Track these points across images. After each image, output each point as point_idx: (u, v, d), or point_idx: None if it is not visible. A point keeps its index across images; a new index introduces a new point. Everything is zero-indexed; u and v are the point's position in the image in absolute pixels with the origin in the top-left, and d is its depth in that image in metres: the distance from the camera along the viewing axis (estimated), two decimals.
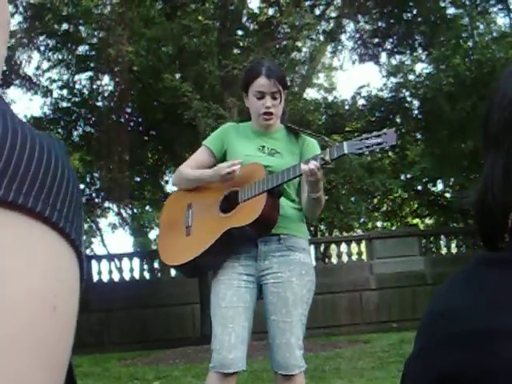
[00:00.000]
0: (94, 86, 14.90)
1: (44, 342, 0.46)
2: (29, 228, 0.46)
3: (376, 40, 16.17)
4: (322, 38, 16.40)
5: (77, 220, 0.50)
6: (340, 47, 17.37)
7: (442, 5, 14.62)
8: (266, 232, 3.14)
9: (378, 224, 21.04)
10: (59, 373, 0.49)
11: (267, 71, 3.25)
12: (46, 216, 0.47)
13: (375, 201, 19.09)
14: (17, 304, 0.45)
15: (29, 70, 17.07)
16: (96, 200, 17.15)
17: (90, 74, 14.89)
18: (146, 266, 14.40)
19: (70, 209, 0.50)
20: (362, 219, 18.83)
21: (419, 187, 18.61)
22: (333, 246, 14.90)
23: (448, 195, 19.27)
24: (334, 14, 16.60)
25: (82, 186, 16.97)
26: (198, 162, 3.38)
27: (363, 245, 14.53)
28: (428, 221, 21.93)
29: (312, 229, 20.85)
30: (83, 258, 0.52)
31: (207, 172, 3.29)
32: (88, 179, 16.88)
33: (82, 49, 14.24)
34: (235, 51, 13.17)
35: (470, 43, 14.76)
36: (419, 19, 14.88)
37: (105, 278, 14.21)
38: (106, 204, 18.71)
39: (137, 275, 14.32)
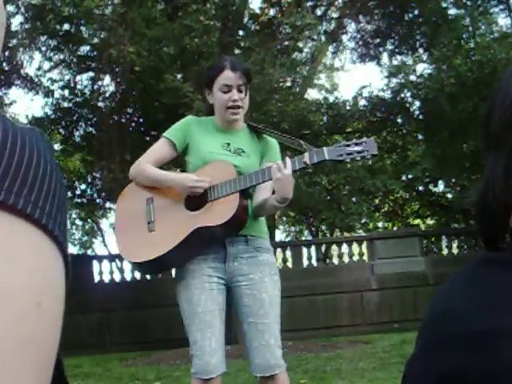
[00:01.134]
0: (96, 87, 14.90)
1: (30, 339, 0.45)
2: (10, 225, 0.46)
3: (377, 40, 16.18)
4: (323, 38, 16.40)
5: (60, 216, 0.50)
6: (341, 48, 17.39)
7: (444, 5, 14.62)
8: (235, 233, 3.11)
9: (380, 224, 21.06)
10: (47, 369, 0.48)
11: (232, 64, 3.21)
12: (28, 213, 0.46)
13: (376, 201, 19.10)
14: (1, 302, 0.44)
15: (30, 70, 17.12)
16: (97, 200, 17.16)
17: (91, 74, 14.90)
18: None
19: (53, 205, 0.49)
20: (364, 220, 18.83)
21: (420, 188, 18.62)
22: (334, 247, 14.89)
23: (449, 196, 19.28)
24: (335, 15, 16.61)
25: (83, 187, 17.00)
26: (159, 155, 3.27)
27: (364, 245, 14.52)
28: (429, 221, 21.93)
29: (313, 229, 20.86)
30: (68, 253, 0.51)
31: (172, 178, 3.20)
32: (89, 179, 16.90)
33: (83, 49, 14.24)
34: (236, 51, 13.16)
35: (471, 44, 14.74)
36: (420, 20, 14.88)
37: (106, 278, 14.22)
38: (108, 204, 18.72)
39: (138, 275, 14.31)
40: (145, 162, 3.25)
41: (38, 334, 0.46)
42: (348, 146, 3.05)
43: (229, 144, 3.24)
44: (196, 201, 3.13)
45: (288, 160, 2.98)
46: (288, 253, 14.21)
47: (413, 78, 15.76)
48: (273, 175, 2.95)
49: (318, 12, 15.37)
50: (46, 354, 0.48)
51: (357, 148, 3.03)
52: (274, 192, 3.06)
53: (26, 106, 19.65)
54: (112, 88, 14.76)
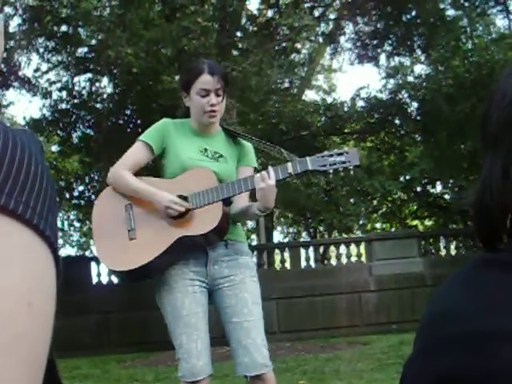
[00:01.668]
0: (93, 88, 14.90)
1: (21, 338, 0.45)
2: (1, 226, 0.46)
3: (375, 41, 16.20)
4: (321, 39, 16.42)
5: (51, 216, 0.50)
6: (339, 49, 17.40)
7: (441, 6, 14.64)
8: (218, 240, 3.12)
9: (377, 225, 21.08)
10: (38, 368, 0.48)
11: (210, 68, 3.19)
12: (19, 213, 0.47)
13: (374, 202, 19.10)
14: None
15: (28, 71, 17.05)
16: (95, 202, 17.13)
17: (89, 75, 14.90)
18: None
19: (44, 205, 0.49)
20: (362, 221, 18.86)
21: (418, 189, 18.64)
22: (332, 248, 14.88)
23: (447, 196, 19.30)
24: (332, 16, 16.62)
25: (81, 188, 16.99)
26: (135, 159, 3.23)
27: (362, 246, 14.52)
28: (427, 222, 21.94)
29: (311, 230, 20.87)
30: (59, 254, 0.51)
31: (151, 193, 3.12)
32: (87, 181, 16.88)
33: (81, 51, 14.24)
34: (234, 53, 13.17)
35: (469, 45, 14.78)
36: (418, 21, 14.91)
37: (104, 279, 14.20)
38: None
39: None
40: (123, 169, 3.19)
41: (29, 333, 0.46)
42: (331, 156, 3.08)
43: (206, 149, 3.23)
44: None
45: (271, 170, 2.99)
46: (286, 254, 14.20)
47: (411, 79, 15.80)
48: (256, 185, 2.96)
49: (316, 13, 15.38)
50: (38, 354, 0.48)
51: (339, 158, 3.07)
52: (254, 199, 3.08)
53: (23, 107, 19.76)
54: (110, 89, 14.77)
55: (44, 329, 0.48)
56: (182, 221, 3.09)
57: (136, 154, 3.25)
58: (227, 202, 3.12)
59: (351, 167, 3.09)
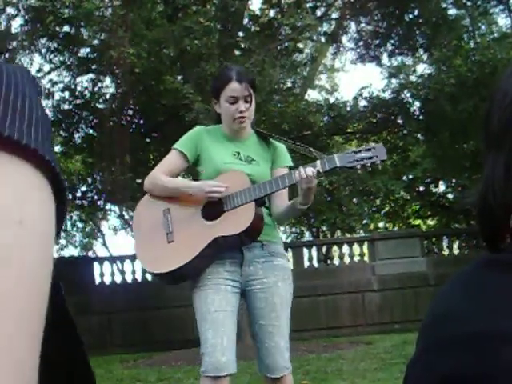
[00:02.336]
0: (96, 89, 14.91)
1: (9, 252, 0.43)
2: None
3: (377, 41, 16.17)
4: (323, 39, 16.41)
5: (48, 144, 0.49)
6: (341, 48, 17.39)
7: (444, 6, 14.62)
8: (252, 240, 3.20)
9: (380, 225, 21.04)
10: (37, 292, 0.45)
11: (238, 76, 3.28)
12: (16, 139, 0.46)
13: (377, 202, 19.07)
14: None
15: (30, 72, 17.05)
16: (98, 202, 17.15)
17: (91, 76, 14.90)
18: None
19: (38, 133, 0.48)
20: (364, 220, 18.82)
21: (421, 188, 18.63)
22: (335, 248, 14.89)
23: (450, 196, 19.28)
24: (335, 16, 16.61)
25: (83, 188, 16.99)
26: (171, 167, 3.34)
27: (365, 246, 14.52)
28: (430, 222, 21.92)
29: (314, 230, 20.86)
30: (62, 178, 0.50)
31: (190, 185, 3.29)
32: (90, 181, 16.89)
33: (83, 51, 14.24)
34: (237, 53, 13.17)
35: (471, 44, 14.77)
36: (420, 20, 14.88)
37: (107, 280, 14.22)
38: (108, 206, 18.73)
39: (139, 277, 14.31)
40: (159, 173, 3.32)
41: (18, 252, 0.44)
42: (358, 152, 3.15)
43: (239, 153, 3.32)
44: (213, 211, 3.21)
45: (311, 168, 3.05)
46: (289, 254, 14.19)
47: (413, 78, 15.79)
48: (305, 184, 3.01)
49: (318, 13, 15.35)
50: (33, 272, 0.45)
51: (366, 154, 3.14)
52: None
53: None
54: (112, 90, 14.77)
55: (40, 249, 0.46)
56: (216, 222, 3.19)
57: (171, 161, 3.36)
58: (260, 202, 3.21)
59: (378, 162, 3.16)
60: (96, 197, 16.84)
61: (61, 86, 15.03)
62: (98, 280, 14.07)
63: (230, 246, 3.17)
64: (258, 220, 3.16)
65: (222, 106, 3.31)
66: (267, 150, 3.40)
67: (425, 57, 16.05)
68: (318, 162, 3.08)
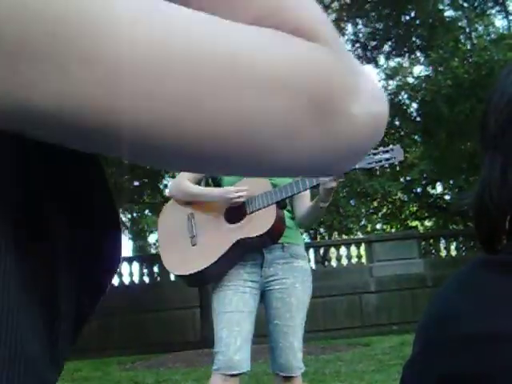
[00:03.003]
0: None
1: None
2: None
3: (374, 43, 16.21)
4: None
5: None
6: None
7: (440, 7, 14.65)
8: (274, 242, 3.26)
9: (378, 227, 21.05)
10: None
11: None
12: None
13: (375, 203, 19.10)
14: None
15: None
16: None
17: None
18: (145, 270, 14.40)
19: None
20: (362, 222, 18.84)
21: (418, 190, 18.63)
22: (332, 249, 14.89)
23: (447, 197, 19.29)
24: (332, 17, 16.62)
25: None
26: (193, 172, 3.40)
27: (363, 248, 14.53)
28: (427, 223, 21.93)
29: (311, 232, 20.87)
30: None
31: (213, 193, 3.36)
32: None
33: None
34: None
35: (468, 45, 14.79)
36: (417, 22, 14.91)
37: None
38: None
39: (136, 279, 14.32)
40: (184, 180, 3.42)
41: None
42: (377, 153, 3.21)
43: None
44: (235, 214, 3.28)
45: None
46: None
47: (410, 79, 15.82)
48: (328, 184, 3.10)
49: None
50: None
51: (385, 155, 3.21)
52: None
53: None
54: None
55: None
56: (239, 225, 3.26)
57: None
58: (282, 205, 3.29)
59: (396, 163, 3.24)
60: None
61: None
62: None
63: (251, 247, 3.24)
64: (279, 222, 3.23)
65: None
66: None
67: (422, 58, 16.08)
68: None
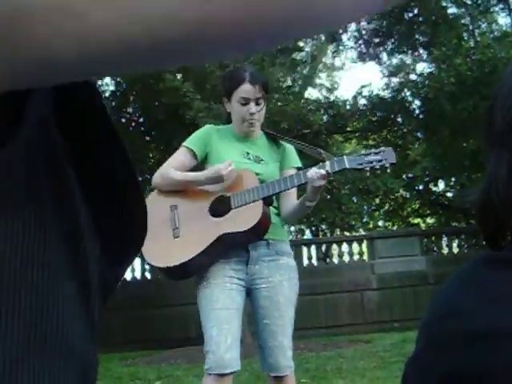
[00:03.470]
0: None
1: None
2: None
3: (377, 40, 16.18)
4: (323, 37, 16.41)
5: None
6: (341, 47, 17.39)
7: (444, 4, 14.62)
8: (258, 238, 3.19)
9: (380, 224, 21.04)
10: None
11: (251, 77, 3.28)
12: None
13: (377, 200, 19.08)
14: None
15: None
16: None
17: None
18: (147, 266, 14.40)
19: None
20: (364, 219, 18.83)
21: (421, 187, 18.61)
22: (334, 246, 14.89)
23: (449, 195, 19.28)
24: None
25: None
26: (180, 163, 3.33)
27: (364, 245, 14.52)
28: (429, 220, 21.92)
29: (313, 229, 20.87)
30: None
31: (201, 176, 3.26)
32: None
33: None
34: None
35: (471, 43, 14.75)
36: (420, 19, 14.89)
37: None
38: None
39: (138, 275, 14.33)
40: (168, 168, 3.32)
41: None
42: (368, 155, 3.17)
43: (248, 153, 3.33)
44: (220, 208, 3.21)
45: (321, 168, 3.07)
46: None
47: (413, 77, 15.80)
48: (317, 182, 3.03)
49: None
50: None
51: (376, 157, 3.15)
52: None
53: None
54: (112, 88, 14.76)
55: None
56: (224, 219, 3.18)
57: (179, 158, 3.35)
58: (268, 201, 3.22)
59: (387, 165, 3.17)
60: None
61: None
62: None
63: (236, 243, 3.17)
64: (265, 218, 3.16)
65: (233, 107, 3.32)
66: (277, 150, 3.41)
67: (425, 55, 16.04)
68: (328, 162, 3.10)
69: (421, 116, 15.20)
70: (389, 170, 3.32)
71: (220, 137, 3.35)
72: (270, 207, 3.26)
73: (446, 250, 14.99)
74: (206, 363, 3.11)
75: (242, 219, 3.14)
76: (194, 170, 3.40)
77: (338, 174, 13.50)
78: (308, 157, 3.42)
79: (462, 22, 14.87)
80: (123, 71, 0.40)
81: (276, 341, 3.18)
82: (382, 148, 3.24)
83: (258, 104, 3.29)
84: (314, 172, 3.04)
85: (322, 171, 3.03)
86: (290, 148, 3.44)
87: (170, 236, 3.25)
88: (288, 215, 3.30)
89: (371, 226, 19.73)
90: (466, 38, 15.06)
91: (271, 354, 3.18)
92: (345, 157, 3.15)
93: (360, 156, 3.16)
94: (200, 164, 3.38)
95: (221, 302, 3.13)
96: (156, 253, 3.24)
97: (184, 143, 3.37)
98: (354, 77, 50.44)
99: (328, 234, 20.02)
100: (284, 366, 3.18)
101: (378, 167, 3.18)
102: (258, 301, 3.24)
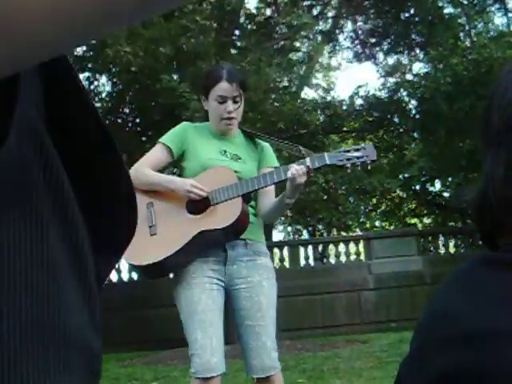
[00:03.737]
0: (92, 87, 14.88)
1: None
2: None
3: (373, 40, 16.20)
4: (319, 37, 16.42)
5: None
6: (338, 47, 17.40)
7: (440, 4, 14.64)
8: (237, 236, 3.15)
9: (377, 224, 21.06)
10: None
11: (228, 75, 3.24)
12: None
13: (373, 200, 19.10)
14: None
15: None
16: None
17: (87, 74, 14.87)
18: None
19: None
20: (361, 219, 18.85)
21: (417, 187, 18.64)
22: (331, 246, 14.89)
23: (446, 194, 19.30)
24: (331, 14, 16.62)
25: None
26: (156, 160, 3.30)
27: (361, 245, 14.52)
28: (426, 220, 21.95)
29: (310, 229, 20.89)
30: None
31: (172, 180, 3.24)
32: None
33: (79, 49, 14.21)
34: (233, 51, 13.17)
35: (467, 43, 14.78)
36: (417, 19, 14.90)
37: None
38: None
39: (135, 276, 14.30)
40: (143, 166, 3.27)
41: None
42: (348, 151, 3.14)
43: (225, 151, 3.29)
44: (198, 205, 3.16)
45: (301, 165, 3.04)
46: (285, 252, 14.20)
47: (409, 77, 15.83)
48: (298, 179, 3.00)
49: (314, 12, 15.37)
50: None
51: (356, 154, 3.13)
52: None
53: None
54: (108, 88, 14.75)
55: None
56: (201, 216, 3.14)
57: (155, 155, 3.32)
58: (246, 198, 3.17)
59: (368, 161, 3.15)
60: None
61: None
62: None
63: (214, 241, 3.11)
64: (244, 216, 3.11)
65: (211, 105, 3.28)
66: (254, 149, 3.38)
67: (421, 55, 16.06)
68: (308, 158, 3.07)
69: (417, 116, 15.22)
70: (369, 167, 3.28)
71: (197, 134, 3.31)
72: (249, 207, 3.22)
73: (442, 250, 14.99)
74: (191, 367, 3.07)
75: (220, 216, 3.09)
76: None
77: (335, 174, 13.53)
78: (284, 157, 3.41)
79: (459, 21, 14.89)
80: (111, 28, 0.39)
81: (260, 341, 3.12)
82: (363, 144, 3.22)
83: (235, 102, 3.25)
84: (294, 169, 3.00)
85: (303, 167, 3.00)
86: (267, 147, 3.39)
87: (147, 233, 3.18)
88: (267, 213, 3.25)
89: (368, 226, 19.75)
90: (462, 38, 15.08)
91: (255, 355, 3.12)
92: (325, 153, 3.13)
93: (340, 152, 3.13)
94: (177, 161, 3.34)
95: (203, 303, 3.08)
96: (131, 250, 3.16)
97: (160, 139, 3.33)
98: (351, 77, 50.50)
99: (325, 234, 20.05)
100: (269, 367, 3.11)
101: (358, 164, 3.15)
102: (238, 302, 3.18)
